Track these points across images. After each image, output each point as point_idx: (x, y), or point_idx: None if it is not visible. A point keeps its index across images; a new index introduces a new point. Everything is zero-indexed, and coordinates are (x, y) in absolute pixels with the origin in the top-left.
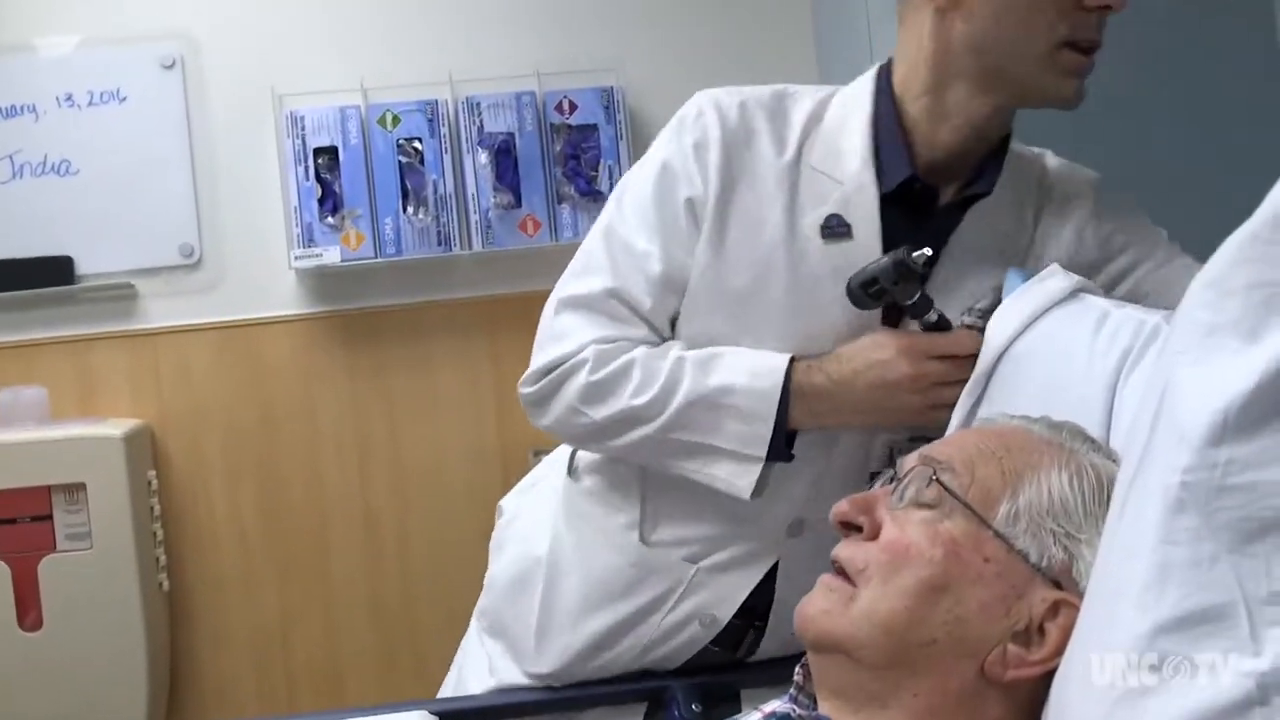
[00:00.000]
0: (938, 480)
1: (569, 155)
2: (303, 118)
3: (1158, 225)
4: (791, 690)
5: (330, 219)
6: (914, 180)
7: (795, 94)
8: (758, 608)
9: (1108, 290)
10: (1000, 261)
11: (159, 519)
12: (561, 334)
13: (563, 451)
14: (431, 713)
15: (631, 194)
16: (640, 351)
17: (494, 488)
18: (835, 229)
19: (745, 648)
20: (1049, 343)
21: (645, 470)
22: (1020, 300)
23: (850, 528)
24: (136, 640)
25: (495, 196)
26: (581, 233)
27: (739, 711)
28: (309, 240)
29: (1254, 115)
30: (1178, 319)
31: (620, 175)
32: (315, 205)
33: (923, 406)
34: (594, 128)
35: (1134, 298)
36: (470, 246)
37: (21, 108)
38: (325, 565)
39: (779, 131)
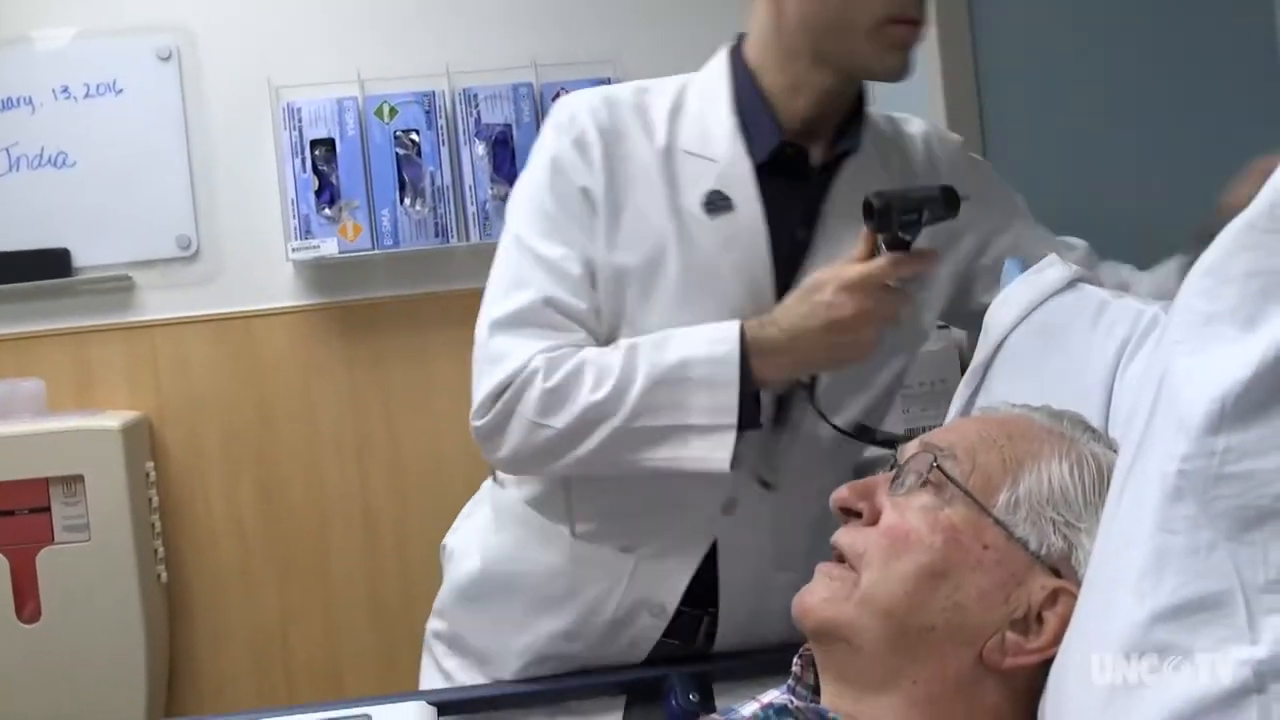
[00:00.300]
0: (938, 467)
1: None
2: (299, 109)
3: (1158, 227)
4: (789, 681)
5: (327, 211)
6: (784, 145)
7: (652, 88)
8: (705, 593)
9: (971, 258)
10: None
11: (157, 511)
12: (501, 355)
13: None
14: (429, 703)
15: (529, 202)
16: (589, 351)
17: None
18: (717, 203)
19: (702, 636)
20: (1047, 333)
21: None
22: (1018, 290)
23: (850, 513)
24: (135, 632)
25: (493, 188)
26: None
27: (712, 707)
28: (306, 232)
29: (1253, 114)
30: (1175, 308)
31: None
32: (312, 197)
33: (876, 339)
34: None
35: (993, 267)
36: (468, 238)
37: (18, 100)
38: (323, 556)
39: (646, 125)
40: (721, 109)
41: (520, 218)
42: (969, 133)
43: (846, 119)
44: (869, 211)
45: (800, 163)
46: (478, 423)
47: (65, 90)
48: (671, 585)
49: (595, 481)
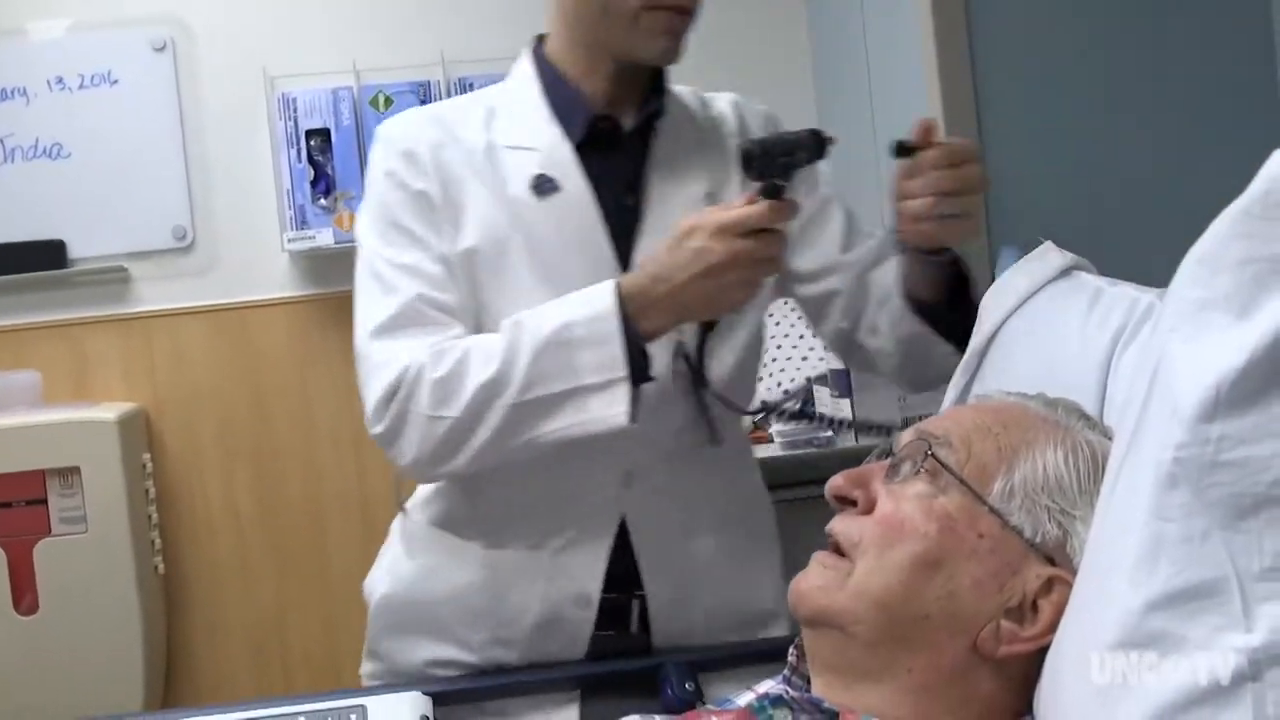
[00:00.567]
0: (933, 455)
1: None
2: (294, 100)
3: (1156, 225)
4: (785, 671)
5: (323, 201)
6: (595, 120)
7: (464, 100)
8: (628, 576)
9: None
10: (702, 176)
11: (154, 502)
12: (385, 360)
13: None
14: (425, 693)
15: (376, 221)
16: (472, 337)
17: None
18: (544, 186)
19: (636, 623)
20: (1042, 321)
21: (470, 478)
22: (1013, 278)
23: (845, 502)
24: (132, 623)
25: None
26: None
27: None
28: (301, 222)
29: (1252, 114)
30: (1170, 296)
31: None
32: (308, 187)
33: (746, 283)
34: None
35: (803, 230)
36: None
37: (13, 91)
38: (321, 547)
39: (465, 131)
40: (533, 102)
41: (371, 237)
42: (967, 136)
43: (650, 87)
44: (746, 159)
45: (615, 133)
46: (375, 429)
47: (60, 81)
48: (590, 572)
49: (498, 485)
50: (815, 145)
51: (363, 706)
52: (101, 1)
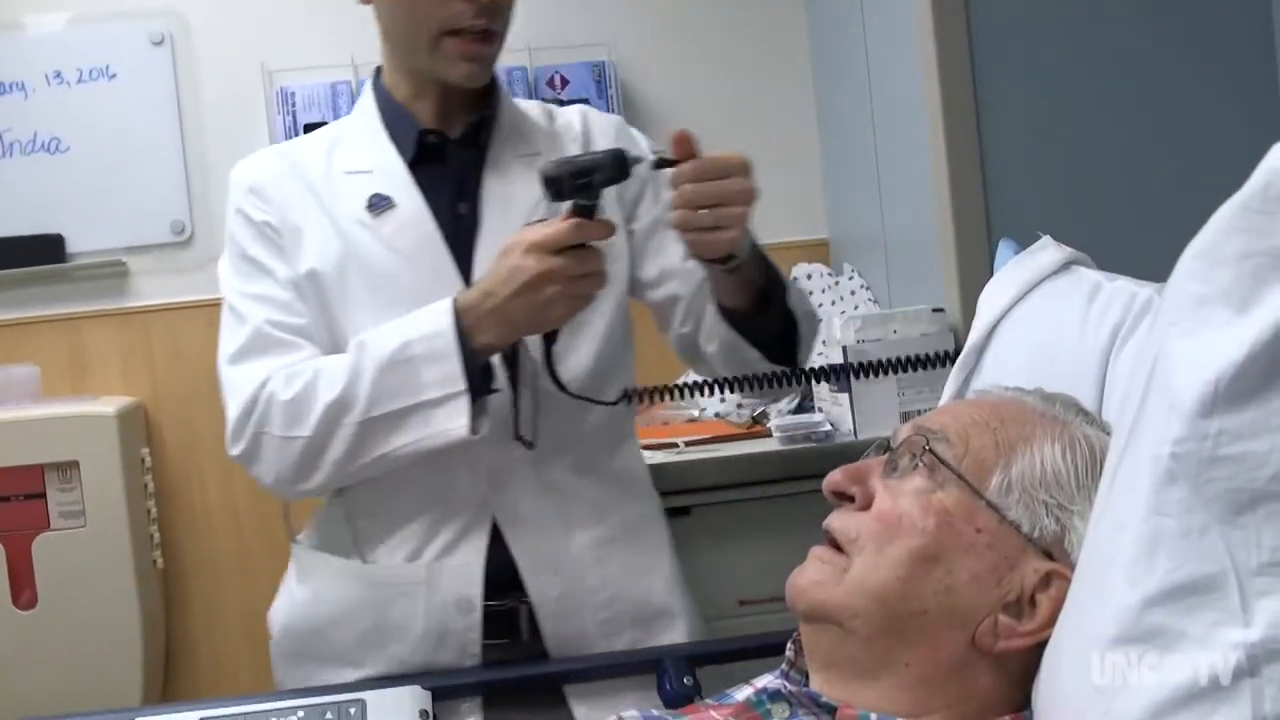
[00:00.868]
0: (931, 450)
1: None
2: (293, 94)
3: (1154, 219)
4: (783, 666)
5: None
6: (423, 134)
7: (310, 137)
8: (511, 581)
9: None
10: (534, 180)
11: (152, 497)
12: (239, 384)
13: None
14: (424, 688)
15: (231, 255)
16: (323, 360)
17: None
18: (379, 204)
19: (526, 630)
20: (1041, 315)
21: (346, 498)
22: (1012, 273)
23: (843, 498)
24: (131, 618)
25: None
26: None
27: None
28: None
29: (1252, 115)
30: (1169, 290)
31: None
32: None
33: (566, 298)
34: (585, 102)
35: (644, 236)
36: None
37: (11, 85)
38: None
39: (304, 165)
40: (371, 128)
41: (228, 271)
42: (967, 132)
43: (481, 100)
44: (543, 181)
45: (444, 147)
46: (234, 451)
47: (59, 76)
48: (468, 577)
49: (371, 500)
50: (614, 167)
51: (362, 701)
52: None
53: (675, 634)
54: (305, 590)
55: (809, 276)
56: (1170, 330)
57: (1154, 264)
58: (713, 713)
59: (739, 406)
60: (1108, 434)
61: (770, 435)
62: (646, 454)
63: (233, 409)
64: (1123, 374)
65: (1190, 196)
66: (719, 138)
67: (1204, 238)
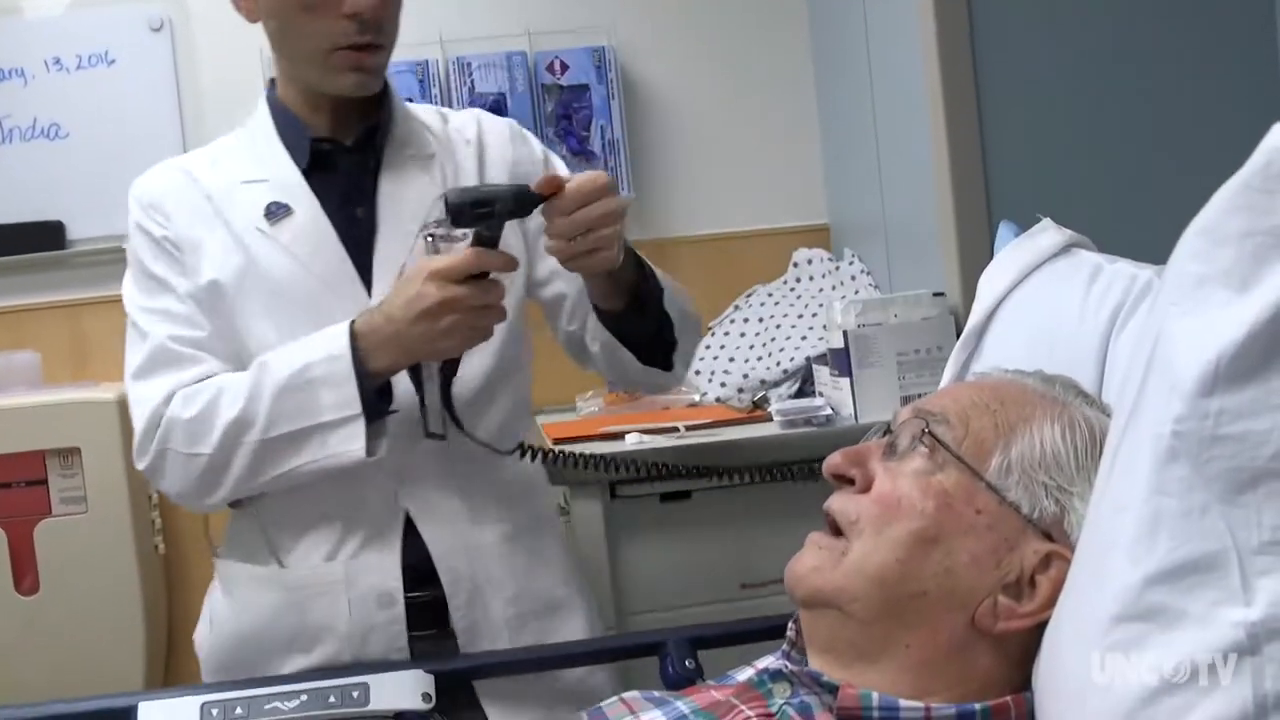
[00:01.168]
0: (930, 432)
1: (560, 115)
2: None
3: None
4: (784, 646)
5: None
6: (315, 142)
7: (206, 148)
8: (426, 570)
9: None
10: (436, 182)
11: None
12: (142, 400)
13: None
14: (427, 671)
15: (132, 272)
16: (223, 377)
17: None
18: (276, 212)
19: (454, 615)
20: (1041, 298)
21: (256, 507)
22: (1012, 255)
23: (843, 480)
24: (133, 603)
25: None
26: None
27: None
28: None
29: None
30: (1169, 270)
31: (612, 135)
32: None
33: (465, 328)
34: (585, 88)
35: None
36: None
37: (10, 71)
38: None
39: (201, 177)
40: (266, 138)
41: (131, 288)
42: (967, 116)
43: (374, 107)
44: (445, 206)
45: (339, 153)
46: (139, 465)
47: (58, 62)
48: (385, 570)
49: (281, 507)
50: (515, 201)
51: (365, 684)
52: None
53: (575, 625)
54: (229, 604)
55: (809, 261)
56: (1171, 310)
57: (1154, 246)
58: (714, 693)
59: (740, 391)
60: (1107, 415)
61: (771, 419)
62: (647, 438)
63: (138, 424)
64: (1123, 356)
65: (1190, 178)
66: (719, 123)
67: (1205, 217)
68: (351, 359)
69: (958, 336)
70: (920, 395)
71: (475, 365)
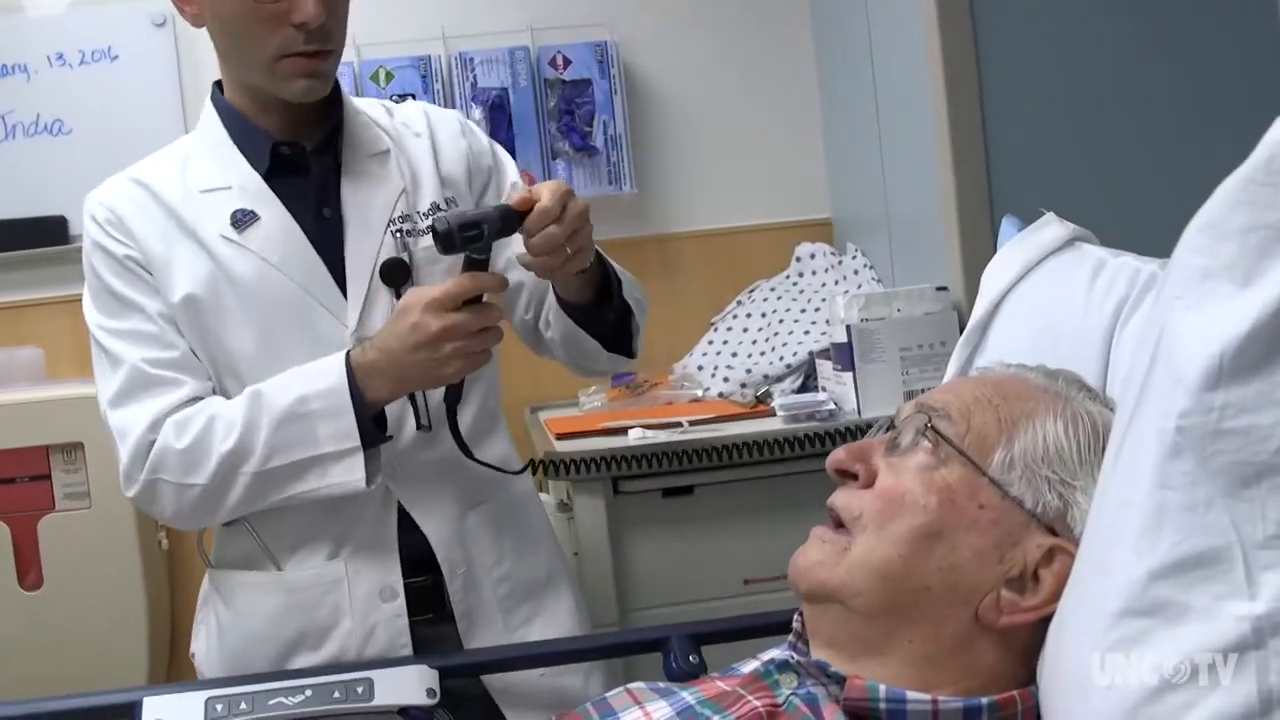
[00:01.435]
0: (933, 428)
1: (563, 110)
2: None
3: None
4: (790, 638)
5: None
6: (276, 146)
7: (157, 157)
8: (421, 557)
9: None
10: (394, 176)
11: None
12: (125, 429)
13: None
14: (431, 666)
15: (93, 293)
16: (215, 405)
17: None
18: (243, 220)
19: (453, 599)
20: (1045, 292)
21: (251, 517)
22: (1016, 249)
23: (846, 475)
24: (136, 598)
25: None
26: (576, 188)
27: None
28: None
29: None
30: (1173, 264)
31: (615, 130)
32: None
33: (466, 354)
34: (588, 83)
35: None
36: None
37: (13, 67)
38: None
39: (160, 189)
40: (220, 144)
41: (92, 310)
42: (969, 110)
43: (327, 110)
44: (434, 234)
45: (301, 157)
46: (128, 493)
47: (60, 58)
48: (385, 563)
49: (274, 515)
50: (503, 221)
51: (369, 680)
52: None
53: (564, 608)
54: (230, 613)
55: (812, 256)
56: (1175, 304)
57: (1157, 240)
58: (720, 684)
59: (742, 386)
60: (1110, 409)
61: (774, 414)
62: (650, 433)
63: (123, 454)
64: (1127, 350)
65: (1193, 172)
66: (722, 118)
67: (1208, 211)
68: (349, 391)
69: (960, 331)
70: (923, 390)
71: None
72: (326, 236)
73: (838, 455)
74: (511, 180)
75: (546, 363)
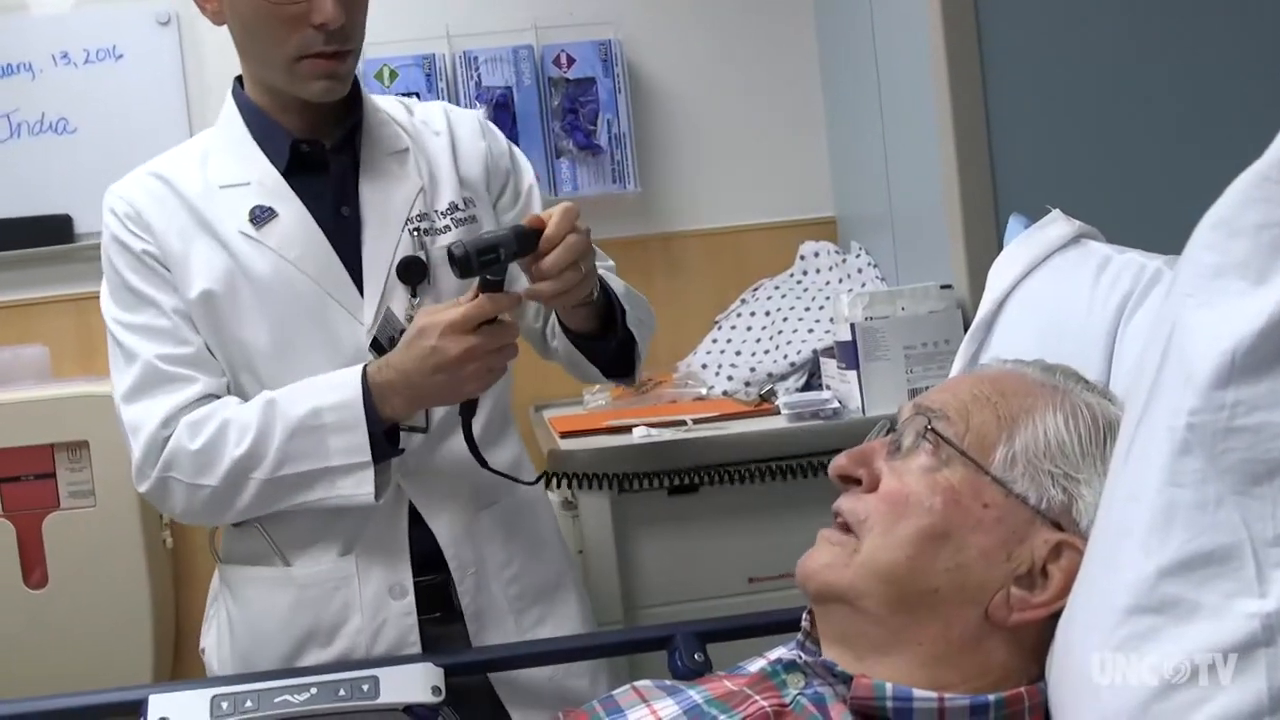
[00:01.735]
0: (933, 429)
1: (567, 109)
2: None
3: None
4: (799, 637)
5: None
6: (296, 144)
7: (178, 151)
8: (431, 555)
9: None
10: (412, 175)
11: None
12: (137, 424)
13: None
14: (436, 664)
15: (110, 286)
16: (230, 409)
17: None
18: (262, 216)
19: (463, 600)
20: (1051, 289)
21: (262, 516)
22: (1022, 247)
23: (850, 481)
24: (141, 597)
25: None
26: (580, 187)
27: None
28: None
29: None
30: (1184, 261)
31: (619, 128)
32: None
33: (484, 373)
34: (592, 81)
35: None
36: None
37: (18, 66)
38: None
39: (180, 184)
40: (240, 139)
41: (109, 303)
42: (974, 108)
43: (346, 108)
44: (451, 261)
45: (320, 154)
46: (140, 489)
47: (65, 56)
48: (396, 561)
49: (281, 514)
50: (519, 243)
51: (375, 678)
52: None
53: (571, 610)
54: (240, 608)
55: (816, 254)
56: (1186, 301)
57: (1162, 237)
58: (727, 682)
59: (746, 384)
60: (1110, 401)
61: (778, 413)
62: (654, 432)
63: (136, 449)
64: (1131, 346)
65: (1197, 170)
66: (726, 116)
67: (1221, 207)
68: (363, 405)
69: (965, 329)
70: (928, 388)
71: None
72: (344, 234)
73: (840, 461)
74: (529, 183)
75: (550, 363)
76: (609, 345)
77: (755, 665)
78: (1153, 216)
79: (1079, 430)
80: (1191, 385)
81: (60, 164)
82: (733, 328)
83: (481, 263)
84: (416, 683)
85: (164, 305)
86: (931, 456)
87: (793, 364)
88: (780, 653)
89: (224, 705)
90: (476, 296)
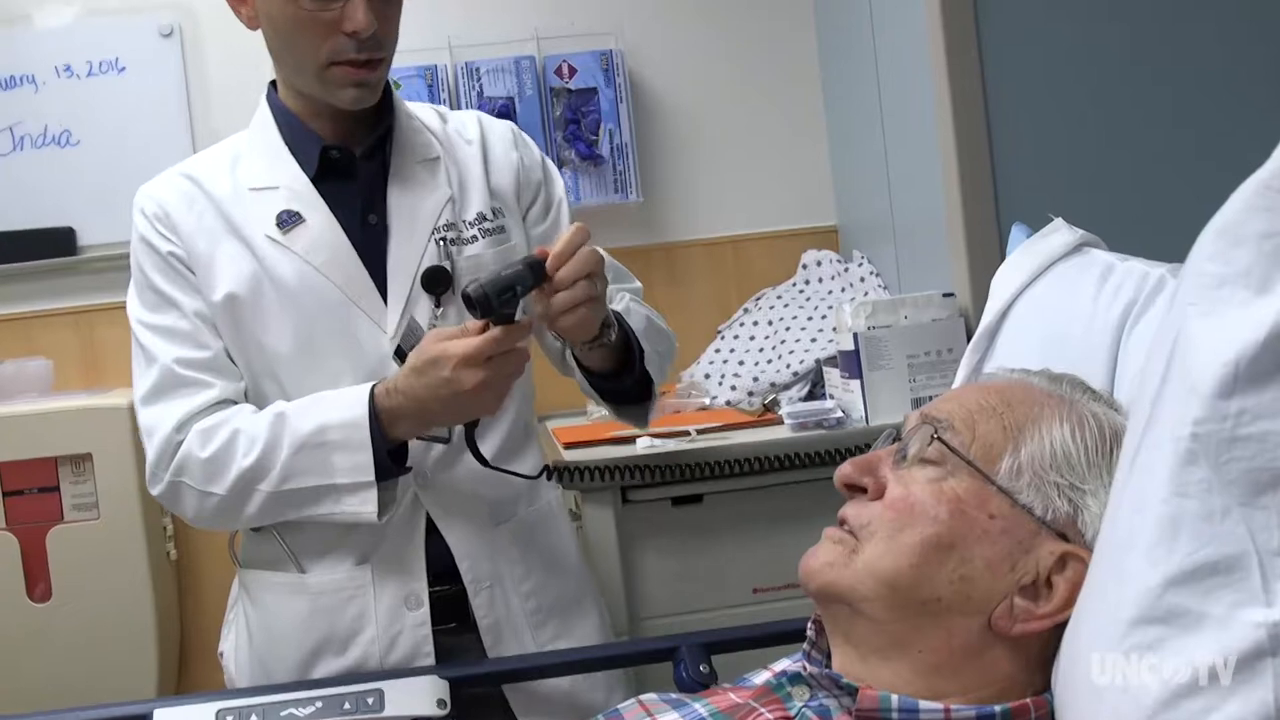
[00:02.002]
0: (939, 439)
1: (569, 119)
2: None
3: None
4: (804, 647)
5: None
6: (326, 150)
7: (209, 152)
8: (446, 566)
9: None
10: (442, 184)
11: None
12: (152, 428)
13: None
14: (443, 676)
15: (136, 286)
16: (241, 418)
17: None
18: (289, 220)
19: (479, 613)
20: (1054, 297)
21: (279, 523)
22: (1024, 255)
23: (855, 489)
24: (145, 609)
25: None
26: (582, 197)
27: None
28: None
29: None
30: (1187, 270)
31: (620, 138)
32: None
33: (497, 399)
34: (594, 91)
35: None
36: None
37: (21, 79)
38: None
39: (210, 185)
40: (272, 143)
41: (134, 302)
42: (975, 116)
43: (378, 115)
44: (469, 302)
45: (349, 161)
46: (154, 491)
47: (68, 69)
48: (412, 571)
49: (298, 522)
50: (534, 276)
51: (380, 691)
52: None
53: (590, 625)
54: (258, 614)
55: (818, 263)
56: (1189, 311)
57: (1165, 245)
58: (732, 695)
59: (750, 394)
60: (1117, 410)
61: (782, 422)
62: (658, 442)
63: (150, 452)
64: (1135, 354)
65: (1200, 178)
66: (727, 125)
67: (1223, 217)
68: (369, 426)
69: (968, 337)
70: (931, 397)
71: None
72: (370, 242)
73: (845, 469)
74: (559, 195)
75: (554, 372)
76: (624, 384)
77: (760, 678)
78: (1155, 224)
79: (1085, 441)
80: (1195, 395)
81: (63, 176)
82: (735, 337)
83: (501, 302)
84: (422, 696)
85: (185, 307)
86: (937, 466)
87: (796, 373)
88: (785, 664)
89: (229, 719)
90: (487, 325)
